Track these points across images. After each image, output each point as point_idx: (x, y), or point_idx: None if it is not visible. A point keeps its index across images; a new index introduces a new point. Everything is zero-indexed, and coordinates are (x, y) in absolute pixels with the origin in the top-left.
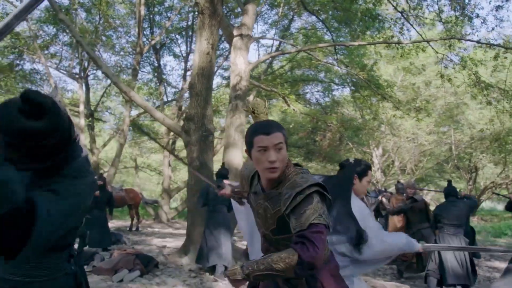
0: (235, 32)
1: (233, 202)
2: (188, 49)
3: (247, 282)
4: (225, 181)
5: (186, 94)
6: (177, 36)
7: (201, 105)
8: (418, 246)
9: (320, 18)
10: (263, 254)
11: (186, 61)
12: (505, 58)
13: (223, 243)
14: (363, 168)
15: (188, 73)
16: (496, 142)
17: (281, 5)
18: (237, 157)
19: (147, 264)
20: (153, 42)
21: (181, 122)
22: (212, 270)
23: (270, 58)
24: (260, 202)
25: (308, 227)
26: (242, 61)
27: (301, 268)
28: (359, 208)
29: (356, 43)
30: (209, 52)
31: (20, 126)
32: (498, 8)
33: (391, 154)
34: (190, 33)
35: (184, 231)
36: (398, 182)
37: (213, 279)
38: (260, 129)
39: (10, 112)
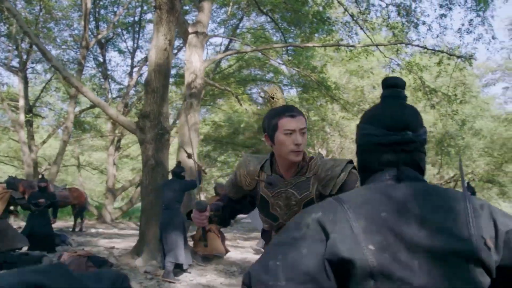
0: (190, 29)
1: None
2: (135, 44)
3: None
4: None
5: (132, 91)
6: (123, 31)
7: (158, 103)
8: None
9: (272, 18)
10: None
11: (132, 57)
12: (448, 64)
13: (178, 242)
14: None
15: (135, 69)
16: (439, 145)
17: (231, 4)
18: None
19: (100, 266)
20: (99, 36)
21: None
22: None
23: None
24: (280, 191)
25: None
26: (197, 59)
27: None
28: None
29: (310, 45)
30: (166, 48)
31: None
32: (442, 16)
33: (335, 154)
34: (137, 29)
35: (130, 232)
36: None
37: (161, 279)
38: (285, 112)
39: None
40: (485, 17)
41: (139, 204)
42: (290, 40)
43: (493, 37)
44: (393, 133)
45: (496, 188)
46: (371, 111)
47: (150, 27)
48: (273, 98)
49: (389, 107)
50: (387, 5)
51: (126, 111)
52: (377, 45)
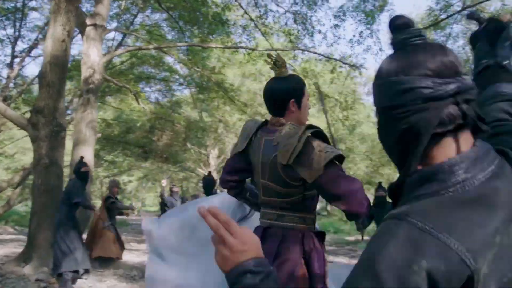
0: (88, 21)
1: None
2: (17, 33)
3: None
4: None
5: (12, 84)
6: (3, 18)
7: (53, 97)
8: None
9: (172, 16)
10: None
11: (13, 47)
12: (341, 72)
13: (72, 247)
14: None
15: (17, 60)
16: None
17: None
18: (89, 154)
19: None
20: None
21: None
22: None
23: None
24: None
25: None
26: (95, 53)
27: None
28: None
29: (213, 45)
30: (64, 39)
31: None
32: (336, 26)
33: (228, 155)
34: (20, 16)
35: (8, 237)
36: None
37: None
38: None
39: None
40: (373, 30)
41: (17, 207)
42: (186, 40)
43: (381, 49)
44: (449, 80)
45: (373, 189)
46: (406, 59)
47: (33, 15)
48: (284, 66)
49: (429, 49)
50: (286, 11)
51: (6, 105)
52: (276, 50)
